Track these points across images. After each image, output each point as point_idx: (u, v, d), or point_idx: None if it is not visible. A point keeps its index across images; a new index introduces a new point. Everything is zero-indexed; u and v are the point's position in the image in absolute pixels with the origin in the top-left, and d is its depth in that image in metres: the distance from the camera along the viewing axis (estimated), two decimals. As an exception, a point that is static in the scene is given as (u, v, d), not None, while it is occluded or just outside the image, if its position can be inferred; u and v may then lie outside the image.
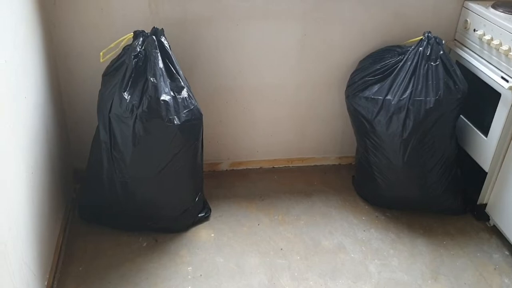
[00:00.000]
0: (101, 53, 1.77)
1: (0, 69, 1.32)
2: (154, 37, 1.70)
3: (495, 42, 1.87)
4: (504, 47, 1.82)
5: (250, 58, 2.10)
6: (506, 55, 1.82)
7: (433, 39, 1.95)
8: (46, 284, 1.63)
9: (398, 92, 1.93)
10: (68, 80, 1.98)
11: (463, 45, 2.11)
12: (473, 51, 2.04)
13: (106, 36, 1.85)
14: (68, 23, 1.86)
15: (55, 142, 1.83)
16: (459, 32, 2.13)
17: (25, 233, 1.45)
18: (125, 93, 1.64)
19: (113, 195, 1.83)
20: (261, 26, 2.02)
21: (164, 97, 1.64)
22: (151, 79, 1.64)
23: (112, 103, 1.66)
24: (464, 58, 2.07)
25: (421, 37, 1.98)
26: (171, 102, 1.65)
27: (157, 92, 1.63)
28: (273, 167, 2.43)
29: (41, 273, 1.59)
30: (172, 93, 1.68)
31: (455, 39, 2.17)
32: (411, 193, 2.06)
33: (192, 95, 1.77)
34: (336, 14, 2.05)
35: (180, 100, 1.69)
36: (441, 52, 1.93)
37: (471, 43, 2.05)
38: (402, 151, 1.94)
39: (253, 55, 2.09)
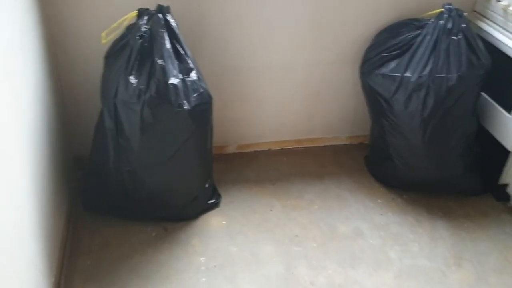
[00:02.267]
0: (102, 34, 1.64)
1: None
2: (160, 15, 1.57)
3: (522, 13, 1.76)
4: (532, 19, 1.72)
5: (259, 36, 1.97)
6: (534, 28, 1.72)
7: (454, 11, 1.83)
8: (53, 281, 1.54)
9: (418, 69, 1.83)
10: (68, 62, 1.85)
11: (484, 16, 1.99)
12: (496, 23, 1.92)
13: (107, 15, 1.71)
14: (67, 4, 1.72)
15: (54, 129, 1.72)
16: (480, 2, 2.01)
17: (30, 229, 1.35)
18: (131, 77, 1.52)
19: (119, 184, 1.74)
20: (270, 1, 1.89)
21: (173, 80, 1.53)
22: (159, 61, 1.52)
23: (117, 87, 1.54)
24: (485, 31, 1.95)
25: (441, 9, 1.86)
26: (180, 85, 1.54)
27: (165, 75, 1.52)
28: (282, 149, 2.33)
29: (47, 270, 1.50)
30: (181, 76, 1.56)
31: (475, 11, 2.05)
32: (430, 174, 1.98)
33: (202, 77, 1.66)
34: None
35: (189, 83, 1.58)
36: (463, 25, 1.82)
37: (494, 14, 1.93)
38: (422, 130, 1.85)
39: (262, 32, 1.96)
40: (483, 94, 1.97)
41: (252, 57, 2.01)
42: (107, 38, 1.65)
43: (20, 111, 1.34)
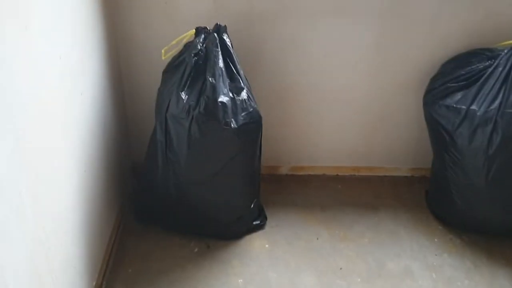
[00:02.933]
0: (163, 50, 1.70)
1: (55, 65, 1.27)
2: (215, 34, 1.60)
3: None
4: None
5: (318, 57, 1.94)
6: None
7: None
8: (94, 284, 1.59)
9: (485, 102, 1.70)
10: (130, 76, 1.93)
11: None
12: None
13: (169, 31, 1.77)
14: (131, 19, 1.81)
15: (113, 137, 1.79)
16: None
17: (74, 233, 1.41)
18: (182, 92, 1.55)
19: (166, 195, 1.77)
20: (332, 22, 1.86)
21: (222, 98, 1.54)
22: (210, 79, 1.54)
23: (169, 102, 1.58)
24: None
25: (517, 40, 1.73)
26: (229, 104, 1.55)
27: (215, 93, 1.53)
28: (337, 175, 2.26)
29: (89, 274, 1.55)
30: (230, 95, 1.57)
31: (558, 43, 1.88)
32: (494, 216, 1.82)
33: (252, 96, 1.65)
34: (417, 12, 1.84)
35: (238, 102, 1.58)
36: (540, 57, 1.67)
37: None
38: (487, 169, 1.71)
39: (322, 54, 1.93)
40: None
41: (310, 79, 1.98)
42: (167, 54, 1.70)
43: (74, 125, 1.41)
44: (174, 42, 1.69)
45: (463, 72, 1.80)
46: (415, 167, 2.25)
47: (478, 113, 1.70)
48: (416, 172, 2.25)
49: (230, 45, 1.63)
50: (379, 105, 2.07)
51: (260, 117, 1.66)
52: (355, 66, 1.97)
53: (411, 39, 1.90)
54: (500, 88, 1.69)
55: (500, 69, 1.71)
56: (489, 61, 1.77)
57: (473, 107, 1.72)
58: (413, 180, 2.24)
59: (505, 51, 1.74)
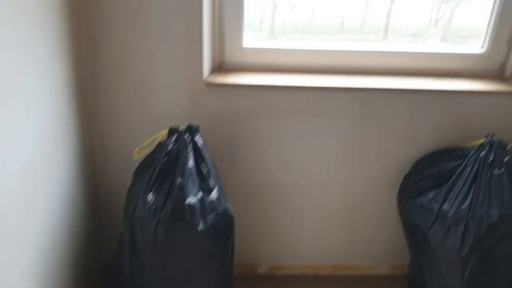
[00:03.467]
0: (135, 150, 1.73)
1: (16, 168, 1.29)
2: (187, 134, 1.64)
3: None
4: None
5: (295, 155, 1.97)
6: None
7: (497, 143, 1.73)
8: None
9: (456, 202, 1.71)
10: (105, 175, 1.95)
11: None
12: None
13: (145, 131, 1.82)
14: (107, 116, 1.86)
15: (81, 242, 1.77)
16: (529, 134, 1.90)
17: None
18: (150, 193, 1.55)
19: (134, 298, 1.70)
20: (306, 122, 1.91)
21: (190, 199, 1.54)
22: (179, 179, 1.55)
23: (137, 203, 1.57)
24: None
25: (483, 140, 1.77)
26: (197, 205, 1.54)
27: (183, 194, 1.53)
28: (317, 274, 2.20)
29: None
30: (200, 195, 1.57)
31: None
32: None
33: (224, 196, 1.66)
34: (387, 113, 1.90)
35: (208, 203, 1.57)
36: (506, 159, 1.71)
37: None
38: (461, 271, 1.67)
39: (297, 151, 1.96)
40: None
41: (286, 176, 2.00)
42: (139, 154, 1.73)
43: (43, 223, 1.40)
44: (147, 142, 1.73)
45: (434, 171, 1.83)
46: (396, 265, 2.20)
47: (450, 213, 1.70)
48: (396, 270, 2.20)
49: (202, 144, 1.66)
50: (355, 203, 2.07)
51: (231, 217, 1.65)
52: (330, 164, 1.99)
53: (384, 138, 1.95)
54: (469, 188, 1.71)
55: (469, 168, 1.73)
56: (459, 160, 1.80)
57: (445, 206, 1.72)
58: (393, 279, 2.18)
59: (473, 150, 1.77)
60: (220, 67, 1.94)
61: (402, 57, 1.95)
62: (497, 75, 1.97)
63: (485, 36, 1.94)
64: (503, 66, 1.96)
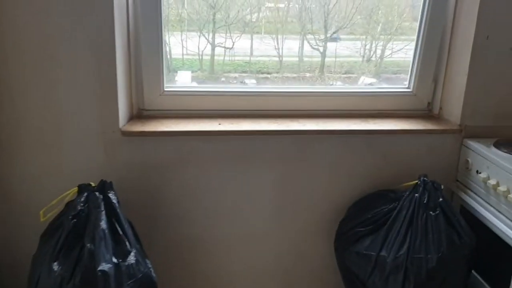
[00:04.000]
0: (41, 212, 1.52)
1: None
2: (98, 193, 1.46)
3: (502, 188, 1.59)
4: (513, 195, 1.55)
5: (224, 206, 1.84)
6: (517, 205, 1.54)
7: (430, 184, 1.69)
8: None
9: (394, 247, 1.63)
10: (8, 240, 1.72)
11: (467, 187, 1.83)
12: (478, 196, 1.75)
13: (54, 188, 1.61)
14: (12, 174, 1.66)
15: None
16: (461, 172, 1.87)
17: None
18: (55, 263, 1.35)
19: None
20: (235, 169, 1.79)
21: (103, 266, 1.35)
22: (88, 244, 1.36)
23: (40, 273, 1.37)
24: (468, 204, 1.78)
25: (416, 181, 1.72)
26: (111, 271, 1.36)
27: (93, 260, 1.34)
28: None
29: None
30: (115, 260, 1.39)
31: (458, 180, 1.89)
32: None
33: (143, 259, 1.48)
34: (318, 157, 1.82)
35: (124, 268, 1.39)
36: (441, 200, 1.66)
37: (476, 186, 1.77)
38: (404, 322, 1.58)
39: (226, 202, 1.83)
40: (474, 273, 1.72)
41: (216, 228, 1.86)
42: (46, 215, 1.53)
43: None
44: (54, 202, 1.53)
45: (369, 216, 1.75)
46: (339, 316, 2.08)
47: (388, 260, 1.61)
48: (340, 321, 2.08)
49: (116, 203, 1.49)
50: (292, 253, 1.95)
51: (153, 283, 1.47)
52: (260, 213, 1.87)
53: (315, 183, 1.86)
54: (406, 232, 1.63)
55: (404, 212, 1.66)
56: (394, 203, 1.73)
57: (383, 253, 1.63)
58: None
59: (407, 192, 1.71)
60: (139, 115, 1.79)
61: (334, 98, 1.89)
62: (426, 113, 1.96)
63: (411, 76, 1.93)
64: (430, 104, 1.95)
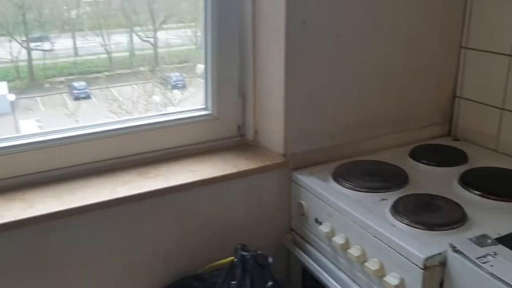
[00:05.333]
0: None
1: None
2: None
3: (354, 252, 1.06)
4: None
5: None
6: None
7: (252, 260, 1.10)
8: None
9: None
10: None
11: (306, 240, 1.28)
12: (322, 254, 1.21)
13: None
14: None
15: None
16: (296, 220, 1.32)
17: None
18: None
19: None
20: None
21: None
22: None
23: None
24: (311, 264, 1.23)
25: (232, 258, 1.12)
26: None
27: None
28: None
29: None
30: None
31: (293, 230, 1.34)
32: None
33: None
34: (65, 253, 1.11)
35: None
36: (270, 284, 1.08)
37: (317, 240, 1.23)
38: None
39: None
40: None
41: None
42: None
43: None
44: None
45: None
46: None
47: None
48: None
49: None
50: None
51: None
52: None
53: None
54: None
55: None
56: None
57: None
58: None
59: (220, 280, 1.11)
60: None
61: (88, 143, 1.20)
62: (238, 141, 1.39)
63: (206, 92, 1.33)
64: (241, 128, 1.38)
